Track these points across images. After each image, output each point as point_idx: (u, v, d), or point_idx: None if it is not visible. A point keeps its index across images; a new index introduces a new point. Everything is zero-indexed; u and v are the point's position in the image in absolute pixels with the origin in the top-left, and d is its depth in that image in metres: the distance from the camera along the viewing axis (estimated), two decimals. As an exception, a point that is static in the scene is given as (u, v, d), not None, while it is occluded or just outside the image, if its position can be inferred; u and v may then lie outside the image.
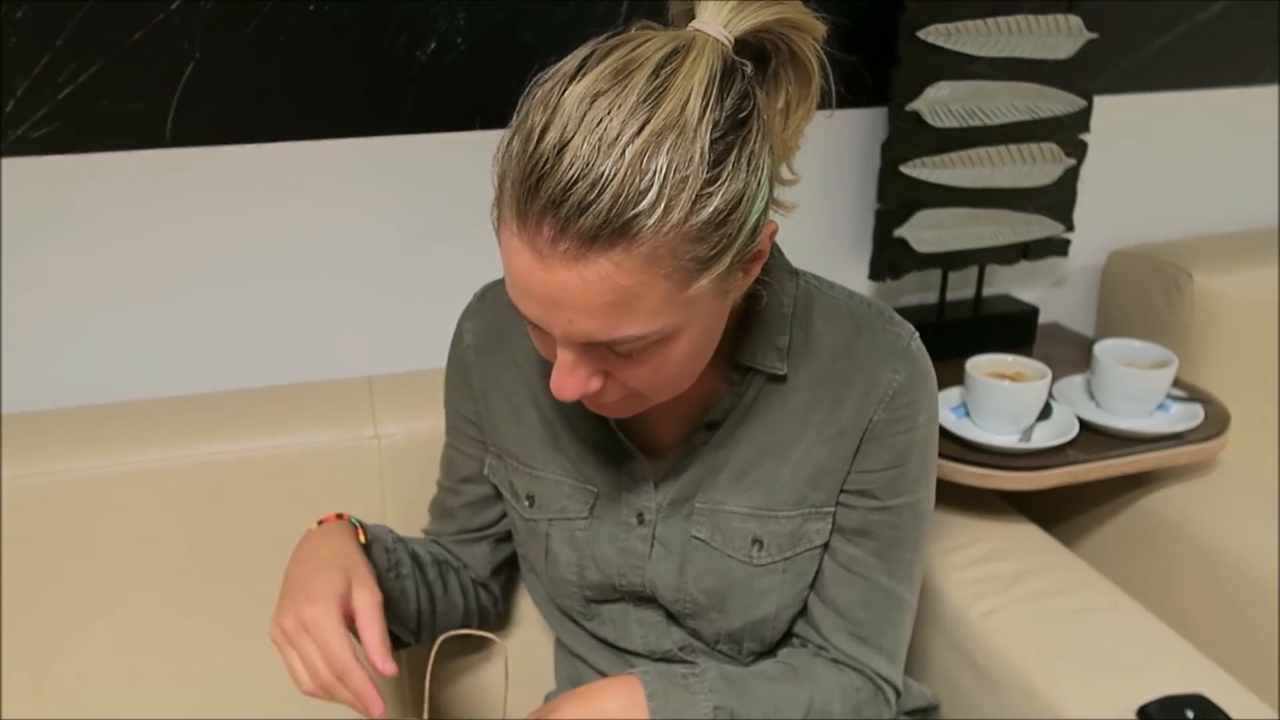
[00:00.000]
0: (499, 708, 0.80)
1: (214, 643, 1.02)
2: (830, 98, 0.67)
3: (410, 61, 1.08)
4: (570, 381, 0.63)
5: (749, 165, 0.58)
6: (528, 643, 1.06)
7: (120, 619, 1.01)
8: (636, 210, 0.54)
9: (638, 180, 0.53)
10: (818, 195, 1.29)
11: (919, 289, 1.40)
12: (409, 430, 1.03)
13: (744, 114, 0.58)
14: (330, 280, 1.15)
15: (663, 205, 0.54)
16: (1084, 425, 1.14)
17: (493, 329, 0.85)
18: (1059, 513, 1.29)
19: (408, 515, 1.00)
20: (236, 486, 1.01)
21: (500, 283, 0.87)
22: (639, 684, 0.76)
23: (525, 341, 0.83)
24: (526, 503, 0.85)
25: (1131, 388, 1.15)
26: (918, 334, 0.78)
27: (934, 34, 1.16)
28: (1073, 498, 1.26)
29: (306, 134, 1.08)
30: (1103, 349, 1.18)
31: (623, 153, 0.53)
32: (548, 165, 0.54)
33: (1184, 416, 1.16)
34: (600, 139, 0.54)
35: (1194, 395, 1.20)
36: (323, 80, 1.06)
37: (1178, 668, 0.89)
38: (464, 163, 1.14)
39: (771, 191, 0.62)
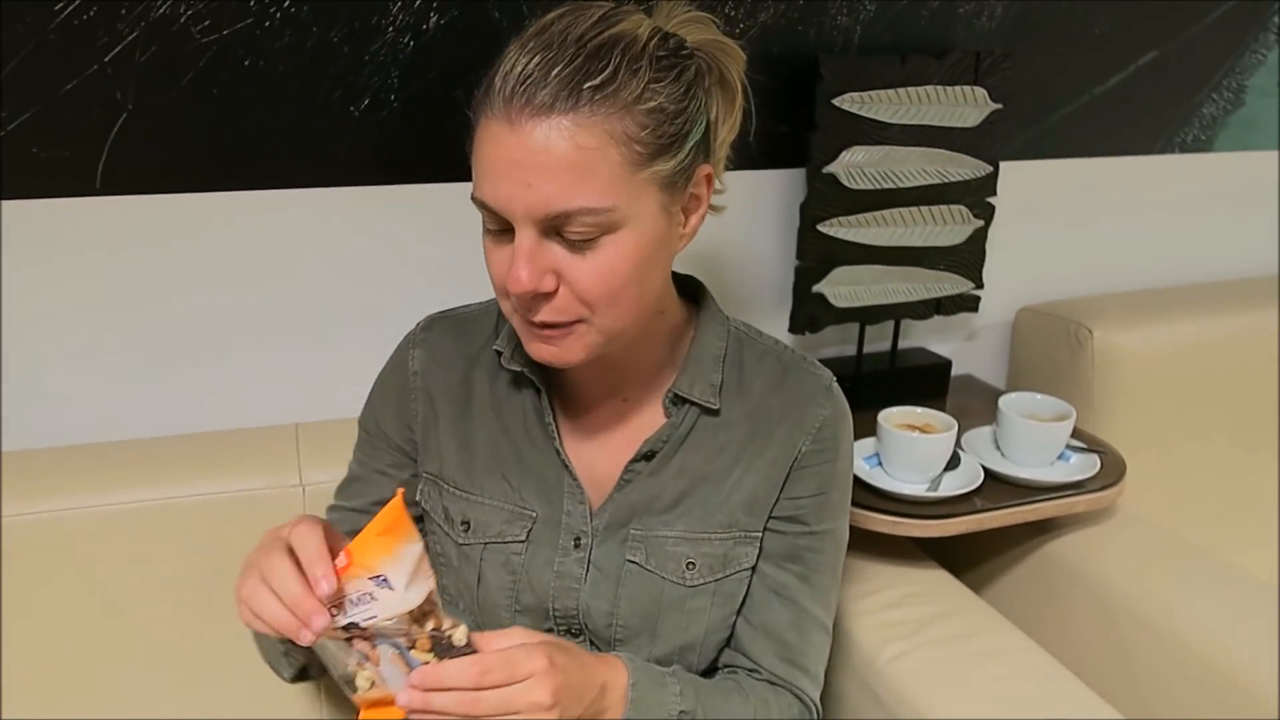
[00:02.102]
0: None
1: (151, 685, 1.03)
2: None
3: (344, 116, 1.10)
4: (527, 269, 0.68)
5: (689, 91, 0.70)
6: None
7: (94, 655, 1.02)
8: (595, 82, 0.66)
9: (597, 62, 0.66)
10: (741, 252, 1.34)
11: (838, 342, 1.46)
12: (334, 478, 1.02)
13: (686, 52, 0.71)
14: (257, 328, 1.16)
15: (616, 83, 0.66)
16: (989, 474, 1.19)
17: (441, 357, 0.88)
18: (969, 558, 1.34)
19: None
20: (160, 533, 1.01)
21: (445, 315, 0.91)
22: (624, 667, 0.78)
23: (475, 369, 0.87)
24: (462, 528, 0.87)
25: (1033, 439, 1.20)
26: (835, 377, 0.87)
27: (849, 102, 1.22)
28: (981, 544, 1.31)
29: (237, 185, 1.10)
30: (1006, 402, 1.23)
31: (585, 43, 0.67)
32: (527, 52, 0.67)
33: (1082, 466, 1.22)
34: (568, 34, 0.67)
35: (1092, 446, 1.27)
36: (255, 133, 1.08)
37: (1072, 707, 0.93)
38: (394, 215, 1.17)
39: (710, 140, 0.74)
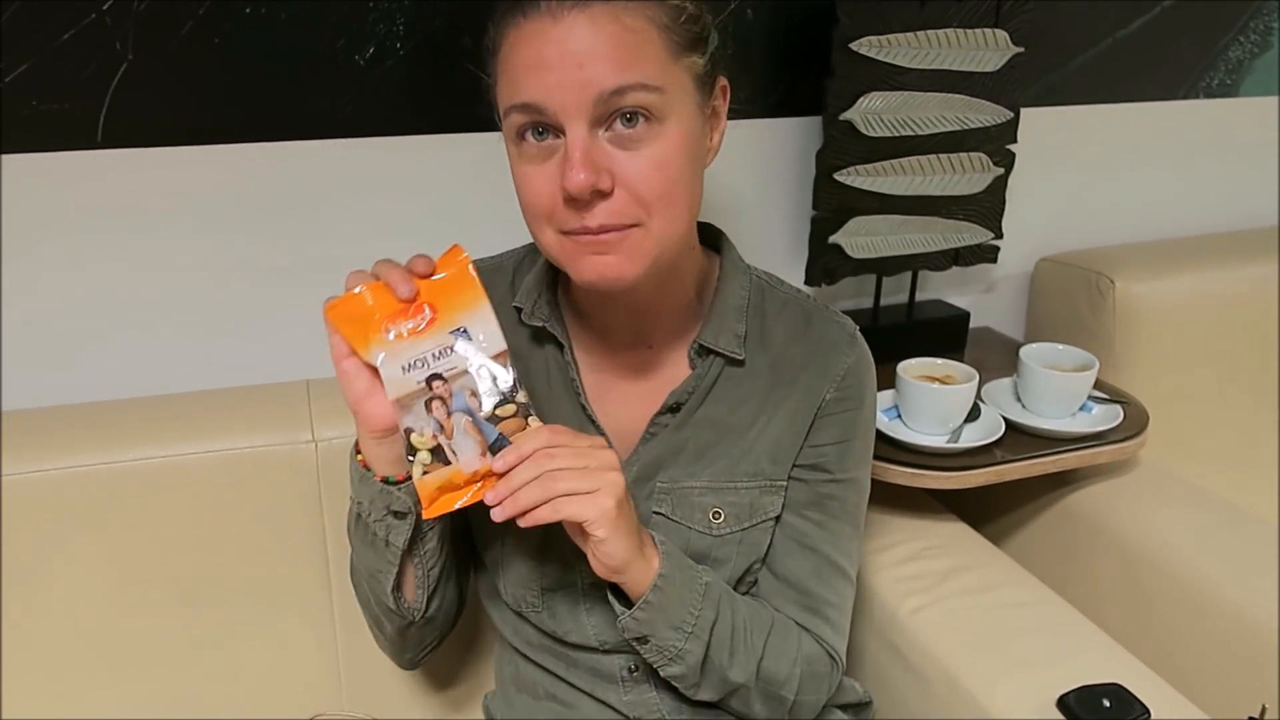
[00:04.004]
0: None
1: (167, 644, 1.02)
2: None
3: (349, 65, 1.08)
4: (585, 166, 0.67)
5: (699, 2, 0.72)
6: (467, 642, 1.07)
7: (83, 620, 1.00)
8: None
9: None
10: (756, 202, 1.31)
11: (854, 294, 1.44)
12: (346, 434, 1.02)
13: None
14: (265, 283, 1.15)
15: None
16: (1010, 426, 1.18)
17: None
18: (988, 511, 1.33)
19: (346, 519, 1.00)
20: (172, 490, 1.00)
21: None
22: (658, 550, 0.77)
23: None
24: None
25: (1055, 390, 1.18)
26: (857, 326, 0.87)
27: (866, 46, 1.19)
28: (1001, 496, 1.30)
29: (242, 137, 1.07)
30: (1028, 352, 1.21)
31: None
32: None
33: (1105, 417, 1.20)
34: None
35: (1114, 397, 1.25)
36: (258, 83, 1.06)
37: (1096, 659, 0.93)
38: (402, 166, 1.14)
39: (719, 57, 0.75)
